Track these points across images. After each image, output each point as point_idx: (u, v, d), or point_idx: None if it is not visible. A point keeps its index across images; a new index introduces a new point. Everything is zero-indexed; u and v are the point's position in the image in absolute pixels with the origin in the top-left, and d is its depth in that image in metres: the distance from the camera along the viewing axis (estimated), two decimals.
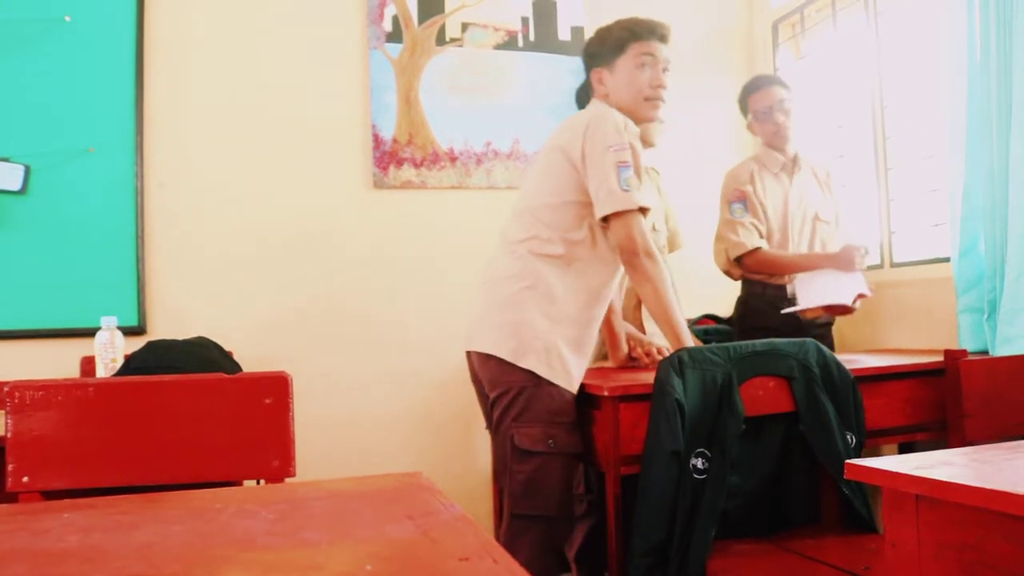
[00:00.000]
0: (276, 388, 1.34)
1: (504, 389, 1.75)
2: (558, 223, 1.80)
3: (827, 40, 3.00)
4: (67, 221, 2.54)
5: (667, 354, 1.71)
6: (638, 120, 1.90)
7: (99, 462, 1.26)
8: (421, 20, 2.91)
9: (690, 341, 1.83)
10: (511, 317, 1.77)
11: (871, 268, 2.58)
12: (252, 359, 2.23)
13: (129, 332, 2.30)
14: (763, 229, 2.48)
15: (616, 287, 1.95)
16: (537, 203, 1.84)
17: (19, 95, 2.52)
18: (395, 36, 2.88)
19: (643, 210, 1.78)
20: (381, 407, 2.79)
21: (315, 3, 2.82)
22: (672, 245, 2.48)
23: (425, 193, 2.90)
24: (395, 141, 2.86)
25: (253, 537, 0.72)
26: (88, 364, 2.37)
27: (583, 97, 2.04)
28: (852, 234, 2.61)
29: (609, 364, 2.17)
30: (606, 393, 1.69)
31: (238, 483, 1.38)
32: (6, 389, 1.24)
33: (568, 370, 1.76)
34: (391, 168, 2.85)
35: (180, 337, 1.89)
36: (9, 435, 1.23)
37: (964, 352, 1.80)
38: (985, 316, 2.13)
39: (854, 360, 2.08)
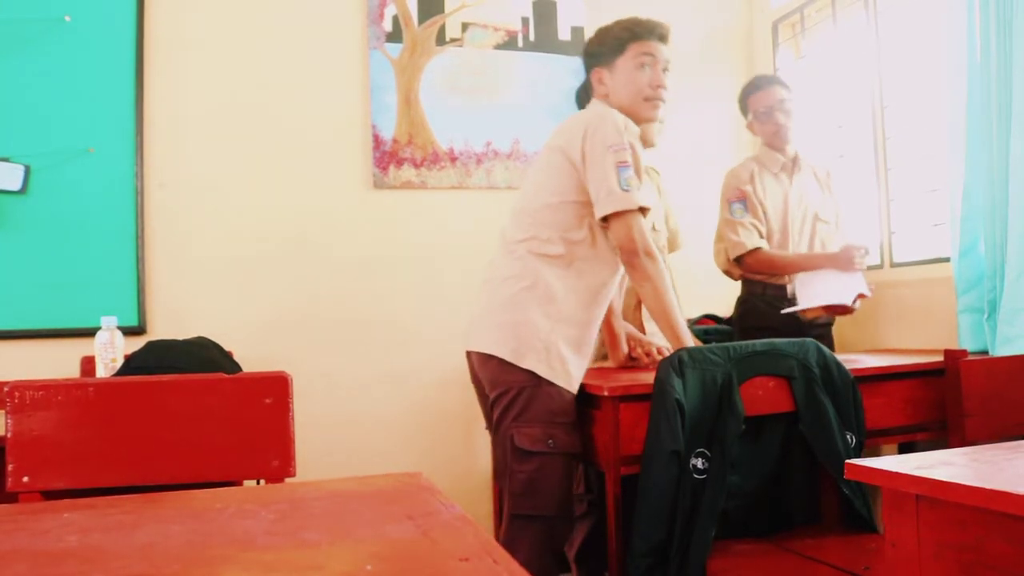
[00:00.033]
0: (276, 388, 1.34)
1: (504, 389, 1.75)
2: (558, 223, 1.80)
3: (827, 40, 3.00)
4: (67, 221, 2.54)
5: (667, 354, 1.71)
6: (638, 120, 1.90)
7: (99, 462, 1.26)
8: (421, 20, 2.91)
9: (690, 341, 1.83)
10: (511, 317, 1.77)
11: (871, 268, 2.58)
12: (252, 359, 2.23)
13: (129, 332, 2.30)
14: (763, 229, 2.48)
15: (616, 287, 1.95)
16: (537, 203, 1.84)
17: (19, 95, 2.52)
18: (395, 36, 2.88)
19: (643, 210, 1.78)
20: (381, 407, 2.79)
21: (315, 3, 2.82)
22: (672, 245, 2.48)
23: (425, 193, 2.90)
24: (395, 141, 2.86)
25: (253, 537, 0.72)
26: (88, 364, 2.37)
27: (583, 97, 2.04)
28: (852, 234, 2.61)
29: (609, 364, 2.17)
30: (606, 393, 1.69)
31: (238, 483, 1.38)
32: (6, 389, 1.24)
33: (568, 370, 1.76)
34: (391, 168, 2.85)
35: (180, 337, 1.89)
36: (9, 435, 1.23)
37: (964, 352, 1.80)
38: (985, 316, 2.13)
39: (854, 360, 2.08)
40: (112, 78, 2.60)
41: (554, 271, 1.78)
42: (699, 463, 1.60)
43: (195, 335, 1.97)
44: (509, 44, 3.00)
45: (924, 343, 2.46)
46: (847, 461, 1.05)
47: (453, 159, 2.92)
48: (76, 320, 2.48)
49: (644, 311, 2.27)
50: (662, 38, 1.91)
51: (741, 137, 3.14)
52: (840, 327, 2.62)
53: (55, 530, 0.75)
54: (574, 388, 1.77)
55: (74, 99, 2.56)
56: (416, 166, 2.88)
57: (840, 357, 1.84)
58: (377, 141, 2.84)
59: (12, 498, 1.22)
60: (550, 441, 1.71)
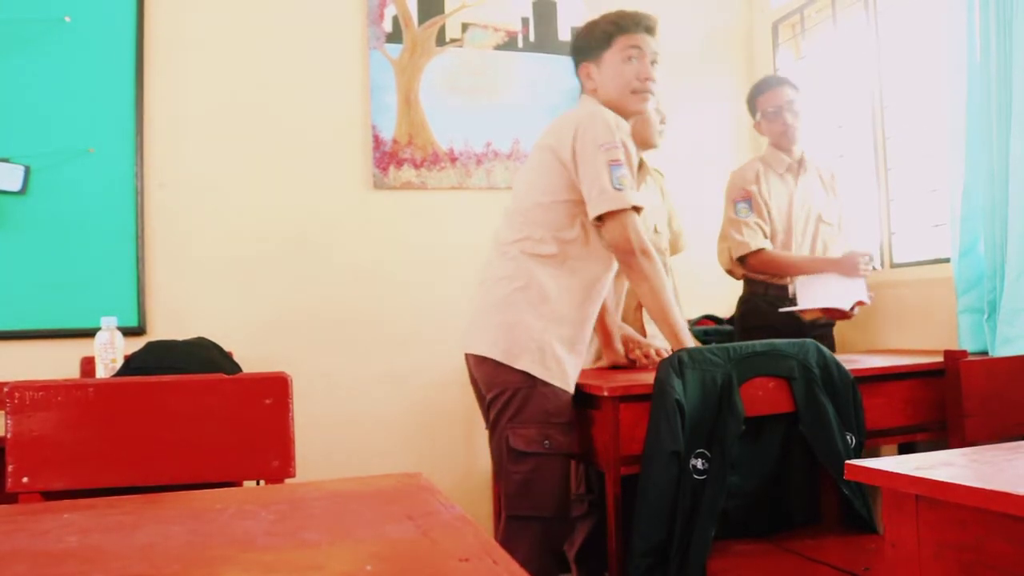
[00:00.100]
0: (276, 388, 1.34)
1: (499, 390, 1.75)
2: (550, 222, 1.79)
3: (827, 40, 3.00)
4: (67, 221, 2.54)
5: (665, 355, 1.71)
6: (626, 114, 1.87)
7: (99, 462, 1.26)
8: (421, 20, 2.91)
9: (690, 341, 1.82)
10: (505, 318, 1.76)
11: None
12: (252, 359, 2.23)
13: (129, 332, 2.30)
14: (767, 229, 2.48)
15: (610, 284, 1.93)
16: (528, 203, 1.83)
17: (19, 95, 2.52)
18: (395, 36, 2.88)
19: (636, 208, 1.76)
20: (381, 407, 2.79)
21: (315, 3, 2.82)
22: (675, 248, 2.48)
23: (425, 194, 2.90)
24: (395, 142, 2.86)
25: (253, 537, 0.72)
26: (88, 364, 2.37)
27: None
28: (855, 238, 2.61)
29: (603, 364, 2.16)
30: (606, 393, 1.69)
31: (238, 483, 1.38)
32: (6, 389, 1.24)
33: (564, 369, 1.75)
34: (391, 169, 2.85)
35: (180, 337, 1.89)
36: (9, 435, 1.23)
37: (964, 352, 1.80)
38: (985, 316, 2.13)
39: (854, 360, 2.08)
40: (112, 78, 2.60)
41: (547, 271, 1.77)
42: (699, 463, 1.60)
43: (195, 335, 1.97)
44: (509, 44, 3.00)
45: (924, 343, 2.46)
46: (847, 461, 1.05)
47: (453, 159, 2.92)
48: (76, 320, 2.48)
49: (645, 313, 2.27)
50: (649, 30, 1.88)
51: (741, 137, 3.14)
52: (840, 327, 2.62)
53: (55, 530, 0.75)
54: (570, 387, 1.77)
55: (74, 99, 2.56)
56: (416, 166, 2.88)
57: (840, 357, 1.84)
58: (377, 141, 2.84)
59: (12, 498, 1.22)
60: (546, 442, 1.71)
